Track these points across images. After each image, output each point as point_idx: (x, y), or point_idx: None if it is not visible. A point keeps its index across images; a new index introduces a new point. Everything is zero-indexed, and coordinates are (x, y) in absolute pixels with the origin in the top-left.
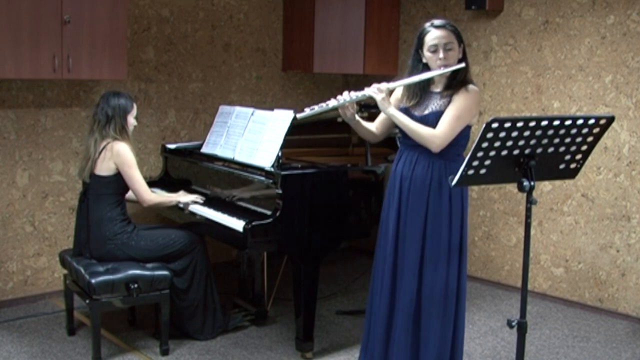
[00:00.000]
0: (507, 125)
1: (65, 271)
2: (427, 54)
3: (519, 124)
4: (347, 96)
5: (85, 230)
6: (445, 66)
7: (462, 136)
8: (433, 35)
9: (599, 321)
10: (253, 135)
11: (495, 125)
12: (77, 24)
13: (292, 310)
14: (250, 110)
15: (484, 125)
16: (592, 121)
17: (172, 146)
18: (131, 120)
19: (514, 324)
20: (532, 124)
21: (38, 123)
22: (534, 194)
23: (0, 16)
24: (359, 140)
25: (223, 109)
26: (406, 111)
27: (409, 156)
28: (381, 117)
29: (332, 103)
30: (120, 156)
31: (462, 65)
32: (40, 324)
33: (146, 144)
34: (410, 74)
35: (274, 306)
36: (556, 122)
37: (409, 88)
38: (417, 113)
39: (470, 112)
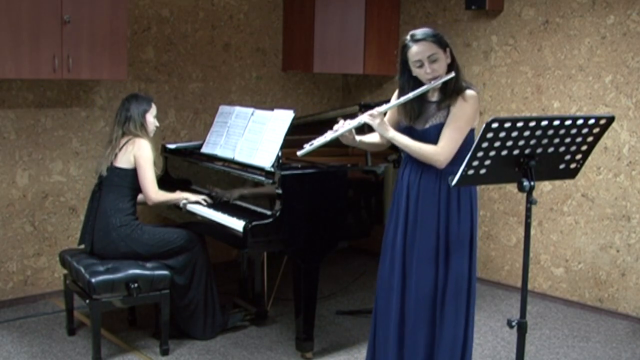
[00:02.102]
0: (507, 125)
1: (65, 271)
2: (414, 70)
3: (519, 124)
4: (342, 126)
5: (93, 218)
6: (435, 79)
7: (468, 141)
8: (414, 50)
9: (599, 321)
10: (253, 135)
11: (495, 125)
12: (77, 24)
13: (292, 310)
14: (250, 110)
15: (484, 126)
16: (592, 121)
17: (172, 146)
18: (150, 119)
19: (514, 324)
20: (532, 124)
21: (38, 123)
22: (534, 194)
23: (0, 16)
24: None
25: (223, 109)
26: (408, 129)
27: (415, 163)
28: None
29: (329, 135)
30: (140, 149)
31: (452, 75)
32: (40, 324)
33: None
34: (403, 91)
35: (274, 306)
36: (556, 122)
37: (404, 107)
38: (418, 127)
39: (470, 119)
